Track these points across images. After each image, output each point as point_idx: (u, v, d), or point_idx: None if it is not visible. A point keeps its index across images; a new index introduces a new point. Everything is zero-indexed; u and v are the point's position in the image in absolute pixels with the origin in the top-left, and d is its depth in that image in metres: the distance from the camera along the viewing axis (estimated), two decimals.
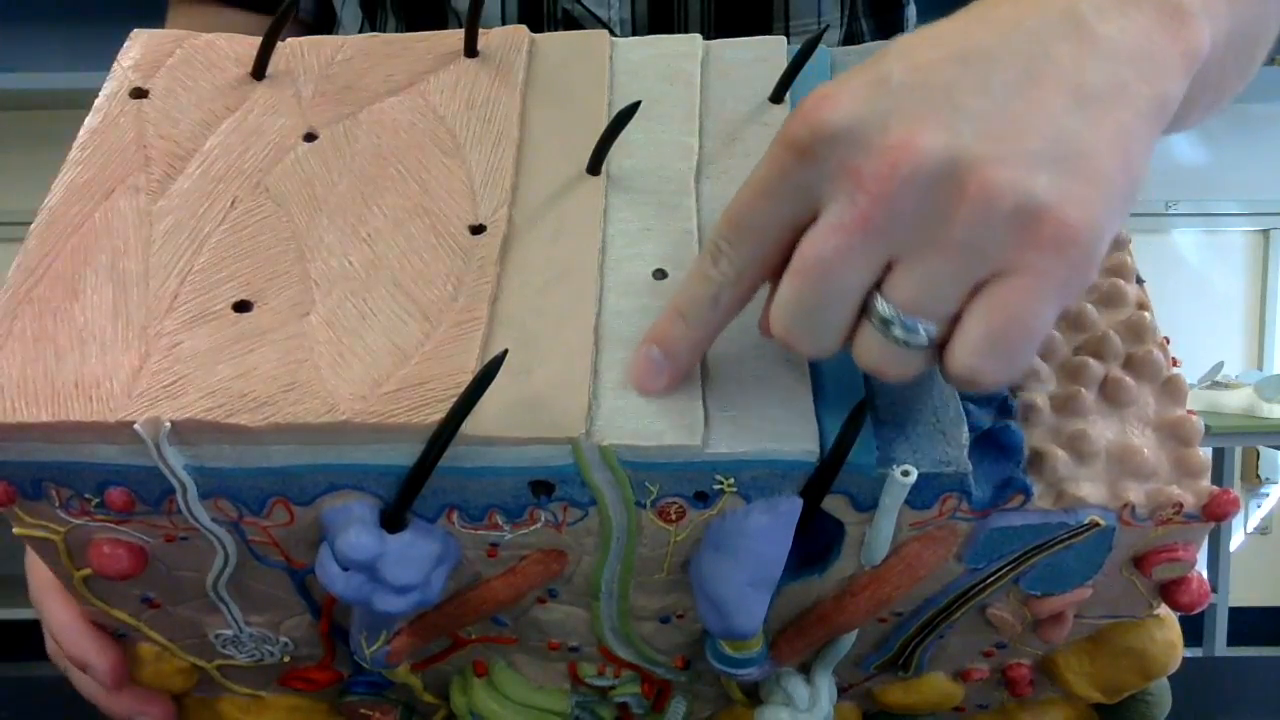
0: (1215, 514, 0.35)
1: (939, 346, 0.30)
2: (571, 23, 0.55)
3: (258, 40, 0.43)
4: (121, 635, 0.43)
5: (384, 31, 0.61)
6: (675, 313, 0.33)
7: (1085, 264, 0.28)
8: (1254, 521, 2.69)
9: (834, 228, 0.29)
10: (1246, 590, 2.55)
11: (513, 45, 0.44)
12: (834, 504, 0.34)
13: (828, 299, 0.30)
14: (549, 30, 0.51)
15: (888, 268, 0.29)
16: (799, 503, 0.33)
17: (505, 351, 0.32)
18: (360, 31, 0.62)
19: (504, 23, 0.45)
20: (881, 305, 0.29)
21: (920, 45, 0.30)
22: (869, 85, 0.29)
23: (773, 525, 0.34)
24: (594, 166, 0.40)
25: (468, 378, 0.32)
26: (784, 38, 0.45)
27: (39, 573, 0.43)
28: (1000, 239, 0.27)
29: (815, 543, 0.36)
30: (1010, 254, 0.27)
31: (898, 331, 0.29)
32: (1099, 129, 0.28)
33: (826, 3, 0.60)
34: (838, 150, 0.29)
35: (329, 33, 0.66)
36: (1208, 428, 0.37)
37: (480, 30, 0.43)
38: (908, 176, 0.28)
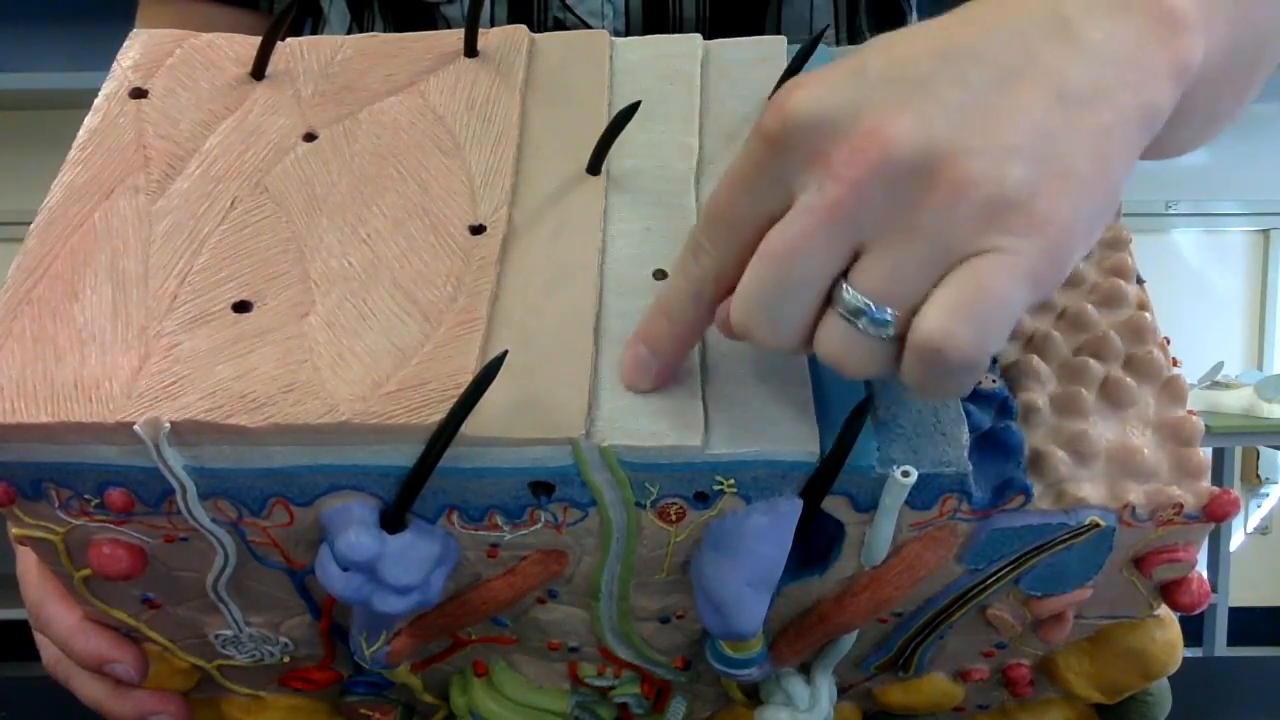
0: (1215, 514, 0.35)
1: (901, 341, 0.29)
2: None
3: (257, 40, 0.43)
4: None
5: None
6: (659, 310, 0.33)
7: (1055, 256, 0.28)
8: (1254, 521, 2.69)
9: (802, 214, 0.29)
10: (1246, 590, 2.55)
11: (512, 45, 0.44)
12: (834, 504, 0.34)
13: (791, 286, 0.29)
14: None
15: (855, 259, 0.29)
16: (799, 503, 0.33)
17: (505, 352, 0.32)
18: (348, 32, 0.62)
19: None
20: (849, 293, 0.29)
21: (902, 40, 0.29)
22: (844, 76, 0.29)
23: (773, 526, 0.34)
24: (594, 166, 0.39)
25: (468, 378, 0.32)
26: (783, 37, 0.45)
27: (35, 581, 0.42)
28: (970, 228, 0.27)
29: (815, 543, 0.36)
30: (980, 240, 0.27)
31: (865, 320, 0.29)
32: (1078, 129, 0.28)
33: (820, 18, 0.60)
34: (809, 139, 0.29)
35: (310, 23, 0.66)
36: (1208, 428, 0.37)
37: (480, 30, 0.43)
38: (878, 164, 0.28)
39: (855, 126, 0.28)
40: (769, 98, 0.42)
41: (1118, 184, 0.29)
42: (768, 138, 0.29)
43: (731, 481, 0.33)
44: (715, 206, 0.31)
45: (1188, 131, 0.33)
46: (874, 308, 0.28)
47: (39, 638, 0.44)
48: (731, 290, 0.31)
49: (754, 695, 0.44)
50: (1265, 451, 2.61)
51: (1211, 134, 0.35)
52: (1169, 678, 0.43)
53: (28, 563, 0.43)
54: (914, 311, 0.28)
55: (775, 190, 0.30)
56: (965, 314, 0.27)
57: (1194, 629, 2.23)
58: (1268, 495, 2.68)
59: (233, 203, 0.38)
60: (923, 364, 0.28)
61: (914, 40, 0.29)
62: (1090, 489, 0.35)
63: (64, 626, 0.41)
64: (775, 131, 0.29)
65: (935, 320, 0.27)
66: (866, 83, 0.29)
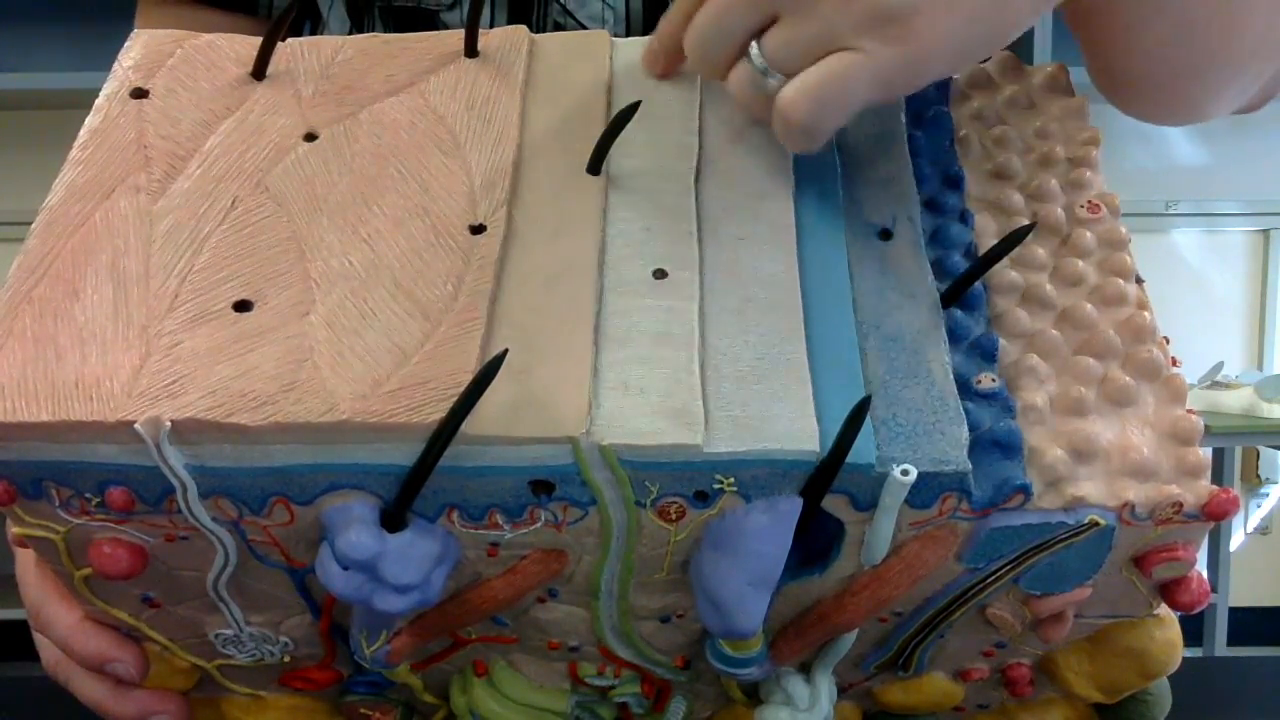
0: (1215, 513, 0.35)
1: None
2: None
3: (258, 40, 0.43)
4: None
5: None
6: (664, 25, 0.41)
7: (911, 69, 0.35)
8: (1254, 521, 2.69)
9: None
10: (1246, 590, 2.55)
11: (513, 45, 0.44)
12: (834, 503, 0.34)
13: (721, 31, 0.37)
14: None
15: (773, 24, 0.36)
16: (799, 502, 0.33)
17: (505, 351, 0.32)
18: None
19: None
20: (754, 51, 0.36)
21: None
22: None
23: (772, 525, 0.34)
24: (594, 166, 0.40)
25: (468, 377, 0.32)
26: None
27: (34, 582, 0.42)
28: (852, 26, 0.34)
29: (815, 542, 0.37)
30: (854, 38, 0.34)
31: (759, 75, 0.36)
32: None
33: None
34: None
35: (309, 26, 0.66)
36: (1207, 428, 0.37)
37: (480, 31, 0.43)
38: None
39: None
40: None
41: (1011, 23, 0.35)
42: None
43: (731, 480, 0.33)
44: None
45: (1155, 33, 0.39)
46: (766, 68, 0.36)
47: (39, 638, 0.44)
48: None
49: (754, 694, 0.44)
50: (1265, 451, 2.61)
51: (1189, 58, 0.42)
52: (1169, 677, 0.43)
53: (27, 564, 0.43)
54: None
55: None
56: (811, 94, 0.35)
57: (1194, 629, 2.23)
58: (1268, 495, 2.68)
59: (233, 202, 0.38)
60: (777, 121, 0.36)
61: None
62: (1089, 488, 0.35)
63: (64, 626, 0.41)
64: None
65: (789, 92, 0.35)
66: None
